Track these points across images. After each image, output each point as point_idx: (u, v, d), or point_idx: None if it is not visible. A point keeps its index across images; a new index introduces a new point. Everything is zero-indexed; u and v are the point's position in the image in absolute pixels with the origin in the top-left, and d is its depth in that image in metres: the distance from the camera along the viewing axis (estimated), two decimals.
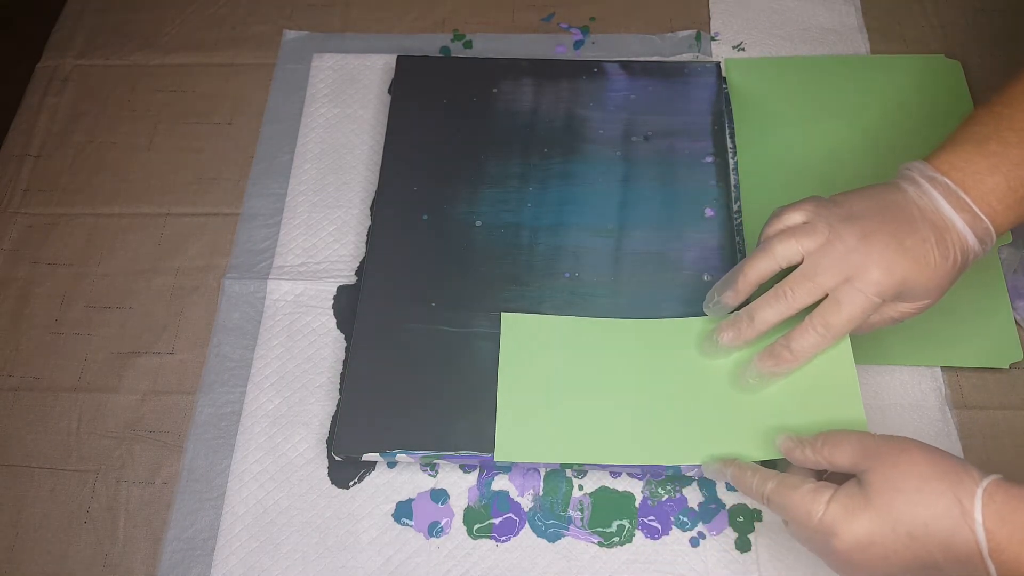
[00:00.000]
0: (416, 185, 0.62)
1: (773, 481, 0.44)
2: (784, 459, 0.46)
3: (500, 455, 0.51)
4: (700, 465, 0.50)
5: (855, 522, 0.40)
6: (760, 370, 0.49)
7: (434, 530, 0.51)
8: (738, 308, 0.50)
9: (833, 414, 0.49)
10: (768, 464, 0.47)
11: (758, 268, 0.49)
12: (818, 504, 0.41)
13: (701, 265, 0.58)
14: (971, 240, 0.47)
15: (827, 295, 0.47)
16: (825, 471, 0.45)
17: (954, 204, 0.47)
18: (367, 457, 0.52)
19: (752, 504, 0.52)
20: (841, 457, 0.43)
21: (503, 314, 0.55)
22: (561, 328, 0.55)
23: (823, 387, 0.50)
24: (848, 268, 0.46)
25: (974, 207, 0.47)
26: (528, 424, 0.51)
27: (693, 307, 0.56)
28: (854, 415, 0.49)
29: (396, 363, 0.55)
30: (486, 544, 0.51)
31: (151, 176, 0.66)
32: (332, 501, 0.52)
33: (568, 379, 0.53)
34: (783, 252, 0.48)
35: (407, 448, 0.52)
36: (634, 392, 0.52)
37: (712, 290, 0.51)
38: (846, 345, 0.50)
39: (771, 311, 0.48)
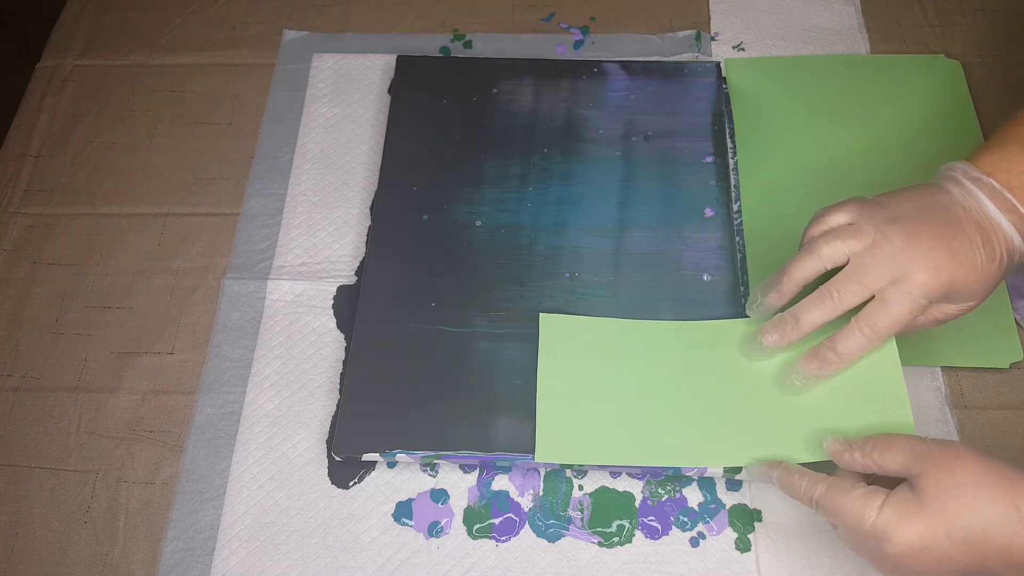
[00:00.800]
0: (416, 185, 0.62)
1: (823, 485, 0.44)
2: (828, 461, 0.46)
3: (540, 456, 0.50)
4: (743, 467, 0.50)
5: (909, 527, 0.40)
6: (805, 372, 0.49)
7: (434, 530, 0.51)
8: (781, 310, 0.50)
9: (880, 416, 0.49)
10: (811, 466, 0.46)
11: (803, 269, 0.48)
12: (870, 509, 0.41)
13: (701, 265, 0.58)
14: (1017, 241, 0.47)
15: (873, 297, 0.46)
16: (873, 474, 0.44)
17: (1000, 205, 0.47)
18: (367, 457, 0.52)
19: (752, 505, 0.52)
20: (892, 461, 0.42)
21: (541, 315, 0.55)
22: (600, 329, 0.55)
23: (869, 389, 0.50)
24: (895, 270, 0.46)
25: (1021, 208, 0.47)
26: (568, 425, 0.51)
27: (694, 307, 0.56)
28: (901, 417, 0.49)
29: (396, 363, 0.55)
30: (486, 544, 0.51)
31: (151, 176, 0.66)
32: (332, 501, 0.52)
33: (608, 380, 0.52)
34: (829, 253, 0.47)
35: (407, 448, 0.52)
36: (676, 394, 0.52)
37: (755, 292, 0.51)
38: (892, 347, 0.50)
39: (817, 312, 0.47)
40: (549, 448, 0.50)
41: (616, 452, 0.50)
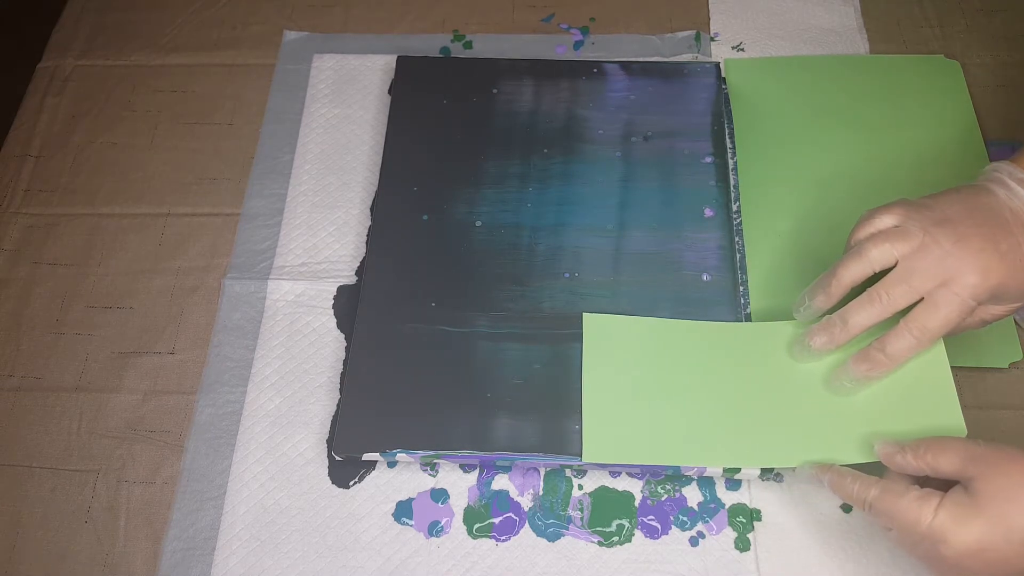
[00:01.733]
0: (416, 185, 0.62)
1: (876, 488, 0.44)
2: (875, 462, 0.46)
3: (588, 456, 0.50)
4: (794, 468, 0.50)
5: (966, 529, 0.40)
6: (854, 374, 0.49)
7: (434, 530, 0.51)
8: (828, 312, 0.50)
9: (930, 419, 0.49)
10: (858, 467, 0.47)
11: (851, 272, 0.48)
12: (926, 511, 0.41)
13: (700, 265, 0.58)
14: None
15: (922, 299, 0.47)
16: (923, 476, 0.44)
17: None
18: (367, 457, 0.52)
19: (752, 504, 0.52)
20: (946, 464, 0.43)
21: (585, 315, 0.55)
22: (645, 329, 0.55)
23: (918, 391, 0.50)
24: (944, 272, 0.46)
25: None
26: (615, 426, 0.51)
27: (693, 307, 0.56)
28: (952, 419, 0.49)
29: (396, 363, 0.55)
30: (486, 544, 0.51)
31: (152, 176, 0.66)
32: (332, 501, 0.52)
33: (654, 380, 0.52)
34: (877, 256, 0.47)
35: (407, 448, 0.52)
36: (723, 394, 0.52)
37: (803, 295, 0.51)
38: (940, 349, 0.50)
39: (865, 315, 0.48)
40: (596, 448, 0.51)
41: (664, 452, 0.50)
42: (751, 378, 0.52)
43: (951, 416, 0.49)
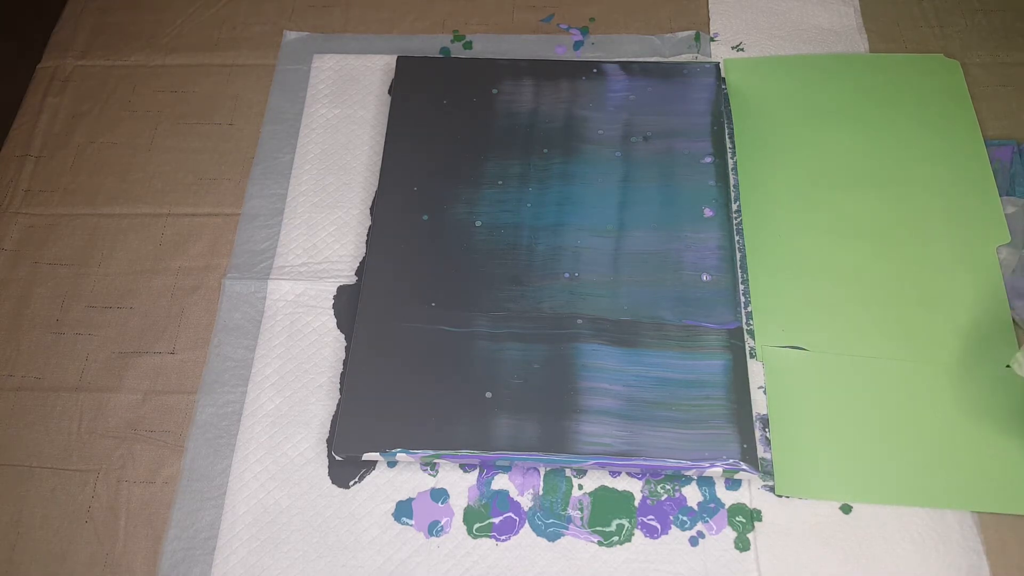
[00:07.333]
0: (416, 185, 0.62)
1: None
2: None
3: (782, 490, 0.51)
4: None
5: None
6: None
7: (434, 529, 0.51)
8: None
9: None
10: None
11: None
12: None
13: (700, 265, 0.58)
14: None
15: None
16: None
17: None
18: (367, 457, 0.53)
19: (752, 504, 0.52)
20: None
21: (765, 348, 0.56)
22: (829, 366, 0.55)
23: None
24: None
25: None
26: (808, 460, 0.52)
27: (693, 307, 0.56)
28: None
29: (396, 363, 0.55)
30: (486, 543, 0.51)
31: (152, 176, 0.66)
32: (332, 501, 0.53)
33: (844, 417, 0.53)
34: None
35: (407, 448, 0.52)
36: (917, 433, 0.52)
37: (1020, 354, 0.52)
38: None
39: None
40: (789, 482, 0.52)
41: (864, 490, 0.51)
42: (943, 417, 0.53)
43: None
